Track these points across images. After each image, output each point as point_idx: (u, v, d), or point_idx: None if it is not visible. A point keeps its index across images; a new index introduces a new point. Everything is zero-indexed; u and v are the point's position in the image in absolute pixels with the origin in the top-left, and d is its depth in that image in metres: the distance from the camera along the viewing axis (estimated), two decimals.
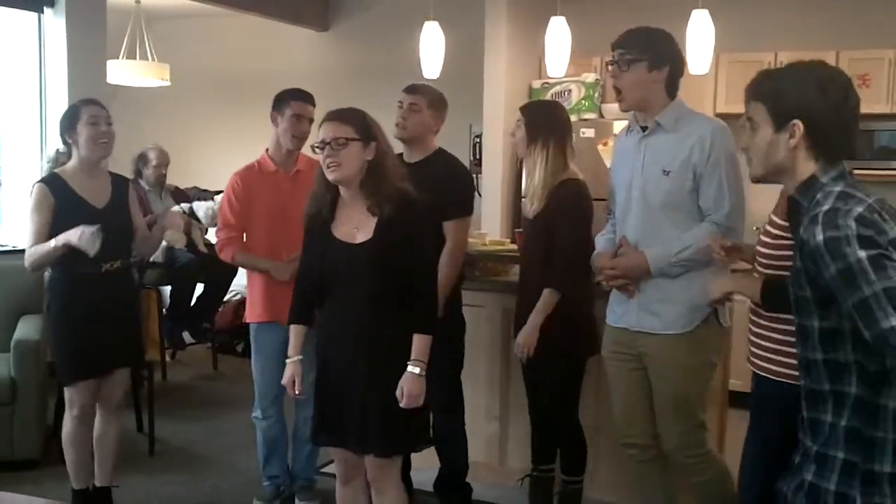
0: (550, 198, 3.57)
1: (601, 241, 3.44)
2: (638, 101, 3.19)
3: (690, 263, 3.12)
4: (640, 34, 3.18)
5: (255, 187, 3.98)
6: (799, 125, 2.00)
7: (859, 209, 1.88)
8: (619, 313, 3.32)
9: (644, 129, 3.23)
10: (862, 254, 1.83)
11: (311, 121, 3.95)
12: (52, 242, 3.56)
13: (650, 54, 3.13)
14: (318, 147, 2.96)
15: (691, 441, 3.22)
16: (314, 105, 3.98)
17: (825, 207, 1.91)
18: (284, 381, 3.14)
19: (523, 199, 3.77)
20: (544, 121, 3.68)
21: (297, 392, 3.13)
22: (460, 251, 3.80)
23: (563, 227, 3.56)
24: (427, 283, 3.05)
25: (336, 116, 2.99)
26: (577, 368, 3.72)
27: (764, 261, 2.66)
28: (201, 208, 6.26)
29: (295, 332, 3.15)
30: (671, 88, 3.19)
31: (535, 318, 3.58)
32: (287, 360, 3.14)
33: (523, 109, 3.75)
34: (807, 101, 2.01)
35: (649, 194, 3.19)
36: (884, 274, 1.82)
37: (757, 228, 6.46)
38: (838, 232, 1.86)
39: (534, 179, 3.61)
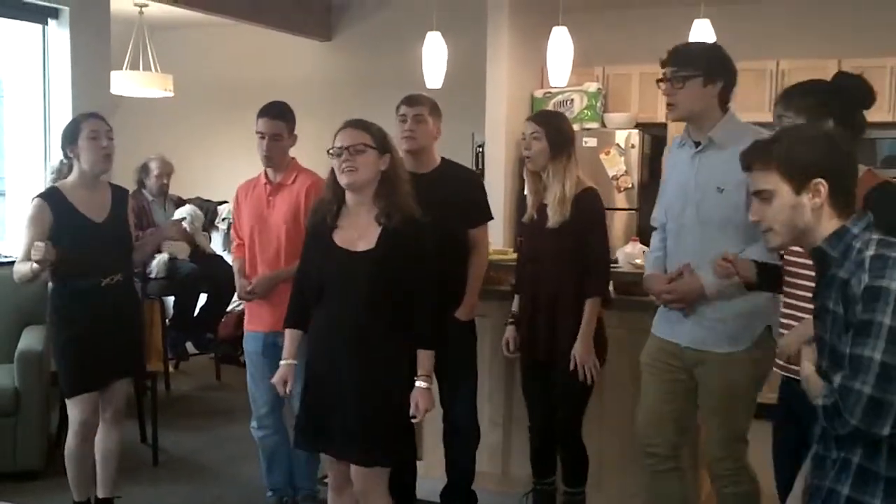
0: (575, 207, 3.59)
1: (650, 260, 3.40)
2: (690, 113, 3.15)
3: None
4: (692, 49, 3.18)
5: (243, 199, 4.07)
6: (823, 183, 1.98)
7: None
8: (670, 325, 3.27)
9: (697, 144, 3.19)
10: (888, 320, 1.84)
11: (276, 137, 3.88)
12: (29, 265, 3.54)
13: (704, 69, 3.10)
14: (334, 152, 2.99)
15: (732, 453, 3.19)
16: (285, 119, 3.91)
17: (870, 253, 1.91)
18: (275, 380, 3.18)
19: (531, 210, 3.75)
20: (565, 132, 3.71)
21: (286, 392, 3.18)
22: (487, 255, 3.93)
23: (595, 236, 3.62)
24: (429, 300, 3.07)
25: (355, 124, 3.06)
26: (592, 379, 3.71)
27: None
28: (182, 214, 6.23)
29: (290, 336, 3.20)
30: (723, 103, 3.16)
31: (588, 331, 3.58)
32: (281, 362, 3.19)
33: (541, 122, 3.69)
34: (823, 158, 1.99)
35: (704, 212, 3.13)
36: (894, 349, 1.83)
37: None
38: (881, 282, 1.86)
39: (557, 192, 3.61)
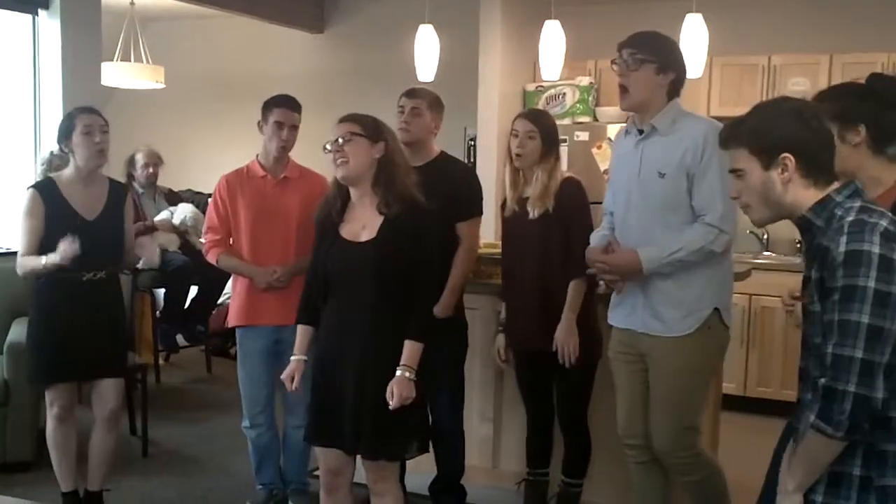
0: (557, 197, 3.63)
1: (596, 237, 3.48)
2: (641, 102, 3.22)
3: (683, 264, 3.14)
4: (651, 37, 3.23)
5: (239, 191, 3.98)
6: (790, 157, 2.01)
7: (884, 223, 1.92)
8: (624, 315, 3.34)
9: (641, 132, 3.26)
10: (872, 283, 1.87)
11: (293, 127, 3.94)
12: (43, 260, 3.58)
13: (659, 57, 3.18)
14: (329, 146, 3.00)
15: (682, 443, 3.24)
16: (299, 112, 3.96)
17: (850, 218, 1.94)
18: (284, 375, 3.17)
19: (511, 203, 3.77)
20: (556, 132, 3.76)
21: (293, 388, 3.16)
22: (475, 251, 3.90)
23: (578, 220, 3.66)
24: (427, 292, 3.08)
25: (346, 118, 3.08)
26: (594, 367, 3.74)
27: None
28: (181, 216, 6.23)
29: (302, 332, 3.20)
30: (672, 95, 3.23)
31: (571, 315, 3.61)
32: (292, 357, 3.18)
33: (536, 122, 3.72)
34: (789, 133, 2.03)
35: (647, 197, 3.23)
36: (880, 312, 1.86)
37: (751, 232, 6.44)
38: (861, 245, 1.89)
39: (537, 187, 3.66)
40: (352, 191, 3.08)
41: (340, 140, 2.98)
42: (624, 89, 3.22)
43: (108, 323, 3.83)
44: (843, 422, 1.89)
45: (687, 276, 3.17)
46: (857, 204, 1.99)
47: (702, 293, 3.17)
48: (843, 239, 1.91)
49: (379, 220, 3.01)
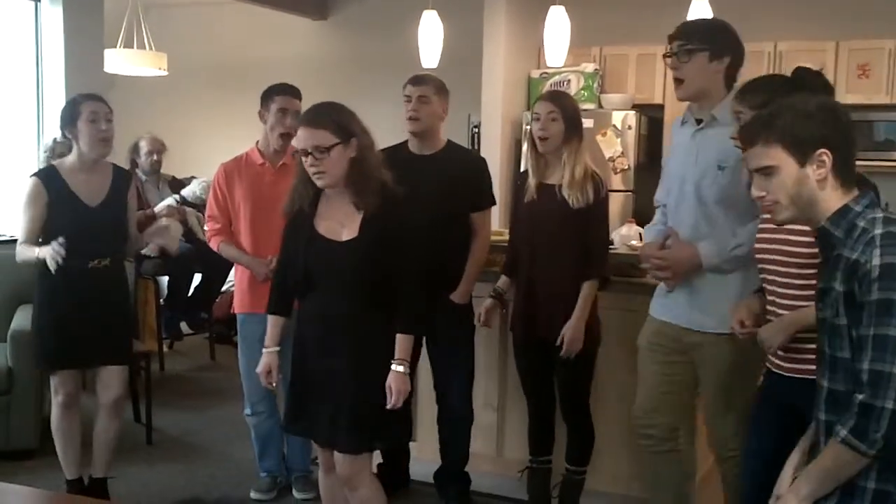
0: (583, 190, 3.56)
1: (651, 232, 3.40)
2: (698, 92, 3.13)
3: (743, 260, 3.04)
4: (700, 24, 3.17)
5: (237, 179, 3.97)
6: (827, 153, 1.98)
7: None
8: (667, 306, 3.26)
9: (699, 121, 3.17)
10: None
11: (297, 114, 3.92)
12: (36, 251, 3.56)
13: (711, 44, 3.08)
14: (300, 153, 2.92)
15: (736, 437, 3.18)
16: (300, 98, 3.95)
17: (879, 231, 1.91)
18: (259, 370, 3.15)
19: (532, 191, 3.67)
20: (578, 113, 3.67)
21: (271, 383, 3.15)
22: (489, 241, 3.90)
23: (599, 219, 3.62)
24: (409, 282, 3.01)
25: (310, 122, 2.91)
26: (594, 354, 3.73)
27: None
28: (190, 192, 6.25)
29: (273, 323, 3.16)
30: (730, 80, 3.14)
31: (582, 314, 3.57)
32: (264, 350, 3.15)
33: (557, 102, 3.62)
34: (826, 129, 1.99)
35: (704, 190, 3.12)
36: None
37: None
38: None
39: (568, 174, 3.56)
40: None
41: (316, 155, 2.86)
42: (679, 81, 3.14)
43: (113, 310, 3.82)
44: (879, 440, 1.86)
45: (738, 271, 3.09)
46: (880, 215, 1.96)
47: (743, 288, 3.06)
48: (877, 252, 1.87)
49: (357, 217, 2.94)
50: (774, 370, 2.67)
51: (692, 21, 3.16)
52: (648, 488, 3.48)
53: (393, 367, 2.93)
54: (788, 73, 2.78)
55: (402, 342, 2.95)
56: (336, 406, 2.96)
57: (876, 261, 1.87)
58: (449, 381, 3.86)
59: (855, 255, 1.92)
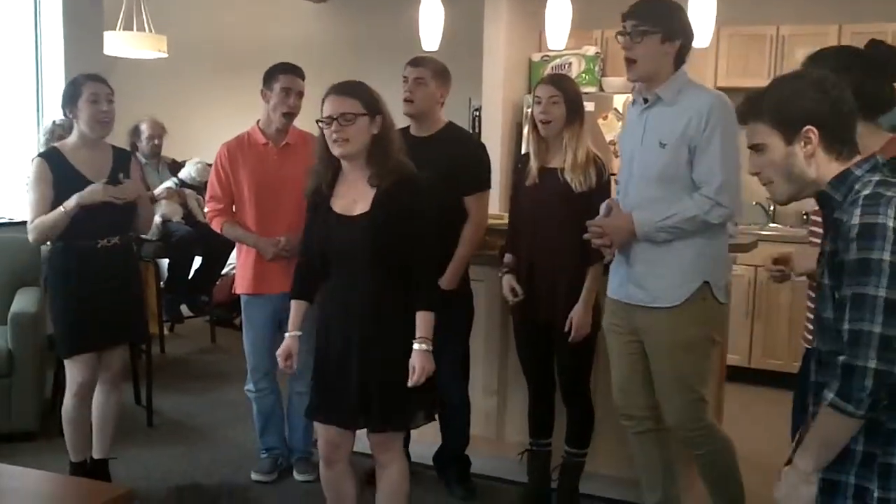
0: (595, 174, 3.58)
1: (603, 207, 3.43)
2: (648, 73, 3.17)
3: (676, 232, 3.11)
4: (653, 5, 3.16)
5: (241, 159, 3.97)
6: (812, 130, 1.97)
7: None
8: (615, 285, 3.34)
9: (646, 100, 3.22)
10: (887, 256, 1.83)
11: (300, 94, 3.93)
12: (62, 207, 3.56)
13: (663, 26, 3.11)
14: (324, 122, 2.92)
15: (691, 415, 3.23)
16: (304, 78, 3.95)
17: (866, 192, 1.90)
18: (279, 353, 3.13)
19: (534, 174, 3.67)
20: (580, 96, 3.67)
21: (290, 367, 3.13)
22: (483, 225, 3.86)
23: (597, 203, 3.56)
24: (426, 260, 3.03)
25: (342, 90, 2.95)
26: (594, 337, 3.72)
27: None
28: (186, 174, 6.24)
29: (295, 308, 3.15)
30: (679, 62, 3.18)
31: (590, 297, 3.59)
32: (286, 335, 3.14)
33: (559, 86, 3.62)
34: (811, 105, 1.98)
35: (647, 167, 3.19)
36: None
37: (757, 203, 6.42)
38: (876, 219, 1.85)
39: (568, 157, 3.58)
40: (344, 163, 3.01)
41: (342, 122, 2.89)
42: (630, 61, 3.17)
43: (127, 288, 3.83)
44: (865, 399, 1.84)
45: (673, 246, 3.14)
46: (876, 178, 1.95)
47: (689, 265, 3.13)
48: (858, 211, 1.87)
49: (370, 192, 2.95)
50: (809, 347, 2.68)
51: (646, 1, 3.17)
52: (638, 469, 3.50)
53: (415, 345, 2.93)
54: (842, 47, 2.76)
55: (422, 320, 2.95)
56: (363, 386, 2.95)
57: (855, 220, 1.86)
58: (439, 367, 3.83)
59: (843, 217, 1.92)
